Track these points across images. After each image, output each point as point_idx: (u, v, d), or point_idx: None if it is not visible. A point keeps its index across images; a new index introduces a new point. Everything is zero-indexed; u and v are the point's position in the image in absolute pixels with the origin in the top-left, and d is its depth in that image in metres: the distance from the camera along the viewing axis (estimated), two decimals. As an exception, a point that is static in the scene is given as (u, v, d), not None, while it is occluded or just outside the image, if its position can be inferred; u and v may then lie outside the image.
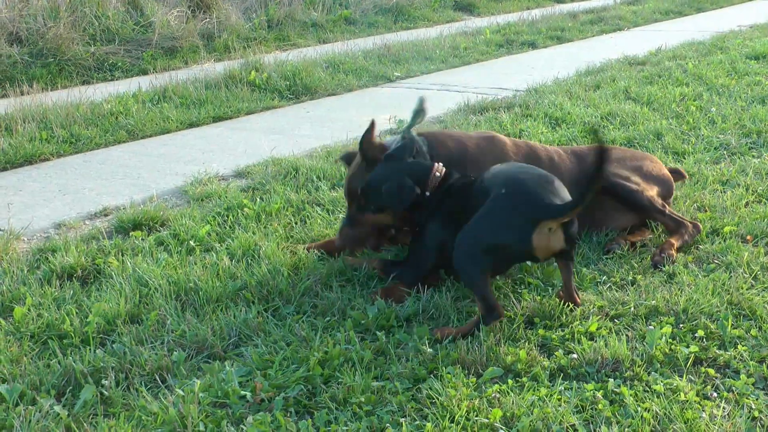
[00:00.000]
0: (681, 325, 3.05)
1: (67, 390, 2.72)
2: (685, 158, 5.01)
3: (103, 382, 2.74)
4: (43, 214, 4.41)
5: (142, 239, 3.94)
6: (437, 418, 2.51)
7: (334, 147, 5.45)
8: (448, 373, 2.75)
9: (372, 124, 3.60)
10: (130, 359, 2.86)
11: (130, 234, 4.03)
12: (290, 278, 3.43)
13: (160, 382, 2.77)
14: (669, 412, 2.51)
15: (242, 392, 2.66)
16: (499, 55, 9.46)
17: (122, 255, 3.73)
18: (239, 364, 2.85)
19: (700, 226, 3.81)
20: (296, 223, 4.08)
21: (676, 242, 3.67)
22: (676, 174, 4.18)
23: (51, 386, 2.72)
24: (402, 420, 2.50)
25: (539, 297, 3.27)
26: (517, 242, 3.02)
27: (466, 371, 2.78)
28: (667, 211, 3.80)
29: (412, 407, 2.58)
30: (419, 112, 3.70)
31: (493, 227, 3.05)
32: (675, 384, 2.66)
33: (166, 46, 9.23)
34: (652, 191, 3.84)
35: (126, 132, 6.06)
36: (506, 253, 3.08)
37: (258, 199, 4.41)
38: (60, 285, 3.46)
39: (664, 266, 3.52)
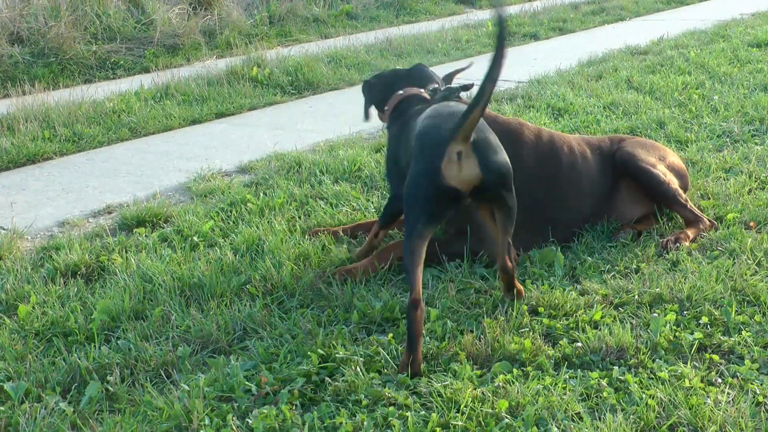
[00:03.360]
0: (685, 312, 3.05)
1: (73, 387, 2.72)
2: (688, 146, 5.00)
3: (109, 378, 2.74)
4: (46, 213, 4.42)
5: (146, 236, 3.95)
6: (442, 409, 2.51)
7: (337, 141, 5.45)
8: (452, 365, 2.75)
9: None
10: (135, 355, 2.87)
11: (134, 231, 4.03)
12: (294, 271, 3.43)
13: (165, 377, 2.77)
14: (674, 398, 2.51)
15: (247, 386, 2.66)
16: (500, 47, 9.43)
17: (126, 252, 3.74)
18: (244, 358, 2.85)
19: (717, 225, 3.80)
20: (299, 217, 4.08)
21: (692, 234, 3.68)
22: None
23: (56, 383, 2.72)
24: (407, 413, 2.50)
25: (543, 286, 3.26)
26: (427, 173, 2.82)
27: (471, 363, 2.78)
28: (688, 205, 3.81)
29: (415, 400, 2.59)
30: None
31: (414, 165, 2.92)
32: (680, 371, 2.66)
33: (168, 43, 9.23)
34: (675, 182, 3.85)
35: (128, 130, 6.06)
36: (426, 193, 2.84)
37: (261, 194, 4.41)
38: (64, 283, 3.46)
39: (669, 252, 3.53)
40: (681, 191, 3.85)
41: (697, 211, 3.81)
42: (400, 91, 3.68)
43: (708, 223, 3.77)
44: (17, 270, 3.58)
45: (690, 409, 2.46)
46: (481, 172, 2.84)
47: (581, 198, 3.80)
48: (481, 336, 2.92)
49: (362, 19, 11.43)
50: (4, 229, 4.13)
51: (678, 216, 3.85)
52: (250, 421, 2.49)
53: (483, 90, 2.75)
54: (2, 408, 2.59)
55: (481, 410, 2.49)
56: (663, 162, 3.93)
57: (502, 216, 2.97)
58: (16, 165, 5.31)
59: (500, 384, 2.62)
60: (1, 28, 8.36)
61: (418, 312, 2.71)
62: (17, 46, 8.29)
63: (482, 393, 2.57)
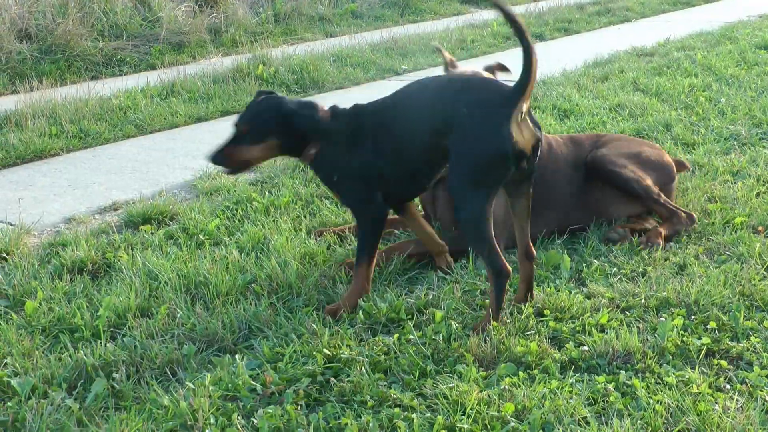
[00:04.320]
0: (693, 317, 3.04)
1: (79, 383, 2.73)
2: (694, 149, 4.99)
3: (114, 375, 2.74)
4: (53, 209, 4.42)
5: (152, 233, 3.94)
6: (448, 411, 2.51)
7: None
8: (458, 366, 2.75)
9: None
10: (140, 353, 2.87)
11: (140, 228, 4.03)
12: (299, 271, 3.43)
13: (170, 375, 2.77)
14: (681, 404, 2.50)
15: (252, 385, 2.66)
16: (506, 47, 9.43)
17: (132, 249, 3.74)
18: (250, 357, 2.85)
19: (695, 216, 3.80)
20: (305, 216, 4.07)
21: (664, 231, 3.68)
22: (678, 165, 4.14)
23: (62, 380, 2.72)
24: (413, 415, 2.49)
25: (549, 289, 3.26)
26: (499, 140, 2.87)
27: (477, 365, 2.77)
28: (662, 200, 3.79)
29: (421, 402, 2.58)
30: None
31: (474, 140, 2.92)
32: (687, 376, 2.65)
33: (174, 41, 9.22)
34: (648, 179, 3.83)
35: (134, 127, 6.06)
36: (496, 169, 2.92)
37: (267, 193, 4.41)
38: (70, 279, 3.46)
39: (646, 251, 3.52)
40: (653, 187, 3.81)
41: (672, 206, 3.79)
42: (325, 108, 3.38)
43: (684, 215, 3.75)
44: (24, 266, 3.57)
45: (698, 415, 2.45)
46: (537, 131, 2.97)
47: (562, 197, 3.80)
48: (487, 338, 2.91)
49: (367, 18, 11.41)
50: (11, 224, 4.13)
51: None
52: (255, 421, 2.49)
53: (529, 54, 2.86)
54: (9, 404, 2.60)
55: (487, 413, 2.49)
56: (635, 158, 3.89)
57: (526, 196, 3.08)
58: (23, 161, 5.31)
59: (506, 387, 2.61)
60: (10, 25, 8.35)
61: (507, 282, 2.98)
62: (25, 43, 8.30)
63: (488, 396, 2.56)
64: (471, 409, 2.50)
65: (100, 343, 2.94)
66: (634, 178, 3.79)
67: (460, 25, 10.59)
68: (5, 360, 2.84)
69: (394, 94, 3.27)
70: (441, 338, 2.91)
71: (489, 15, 11.71)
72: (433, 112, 3.04)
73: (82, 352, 2.86)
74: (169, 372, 2.78)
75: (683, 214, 3.77)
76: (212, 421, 2.49)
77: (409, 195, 3.40)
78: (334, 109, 3.32)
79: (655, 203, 3.78)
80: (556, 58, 8.28)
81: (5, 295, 3.34)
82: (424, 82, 3.23)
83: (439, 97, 3.07)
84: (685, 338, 2.88)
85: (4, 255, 3.74)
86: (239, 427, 2.46)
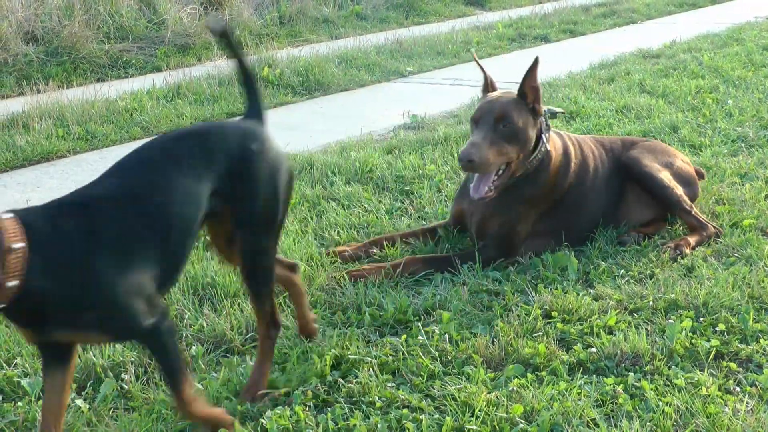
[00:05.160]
0: (701, 319, 3.04)
1: (88, 384, 2.73)
2: (702, 151, 4.98)
3: (123, 376, 2.75)
4: (60, 211, 4.42)
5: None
6: (457, 413, 2.51)
7: (348, 142, 5.44)
8: (466, 368, 2.75)
9: (536, 61, 3.57)
10: (149, 354, 2.86)
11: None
12: (306, 272, 3.43)
13: (179, 376, 2.77)
14: (691, 406, 2.50)
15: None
16: (511, 49, 9.43)
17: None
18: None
19: (722, 232, 3.78)
20: (312, 218, 4.08)
21: (693, 241, 3.66)
22: (696, 174, 4.15)
23: (73, 380, 2.72)
24: (422, 417, 2.49)
25: (557, 290, 3.26)
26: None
27: (485, 366, 2.77)
28: (693, 212, 3.79)
29: (429, 403, 2.58)
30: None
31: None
32: (696, 378, 2.65)
33: (179, 43, 9.24)
34: (680, 188, 3.83)
35: (141, 129, 6.07)
36: None
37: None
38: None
39: (676, 260, 3.51)
40: (685, 198, 3.83)
41: (702, 218, 3.79)
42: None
43: (713, 230, 3.75)
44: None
45: (707, 417, 2.45)
46: None
47: (597, 202, 3.80)
48: (495, 339, 2.91)
49: (372, 20, 11.42)
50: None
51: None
52: (263, 422, 2.49)
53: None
54: (20, 404, 2.60)
55: (496, 414, 2.49)
56: (670, 168, 3.91)
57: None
58: (30, 162, 5.32)
59: (515, 388, 2.61)
60: (16, 28, 8.37)
61: None
62: (32, 45, 8.32)
63: (496, 397, 2.56)
64: (480, 411, 2.50)
65: (109, 344, 2.94)
66: (669, 185, 3.80)
67: (465, 27, 10.58)
68: (15, 360, 2.85)
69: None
70: (448, 339, 2.91)
71: (494, 17, 11.72)
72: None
73: (91, 352, 2.86)
74: (177, 373, 2.78)
75: (712, 228, 3.76)
76: (221, 422, 2.49)
77: None
78: None
79: (686, 214, 3.78)
80: (561, 59, 8.27)
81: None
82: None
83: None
84: (693, 340, 2.88)
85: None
86: (248, 428, 2.46)
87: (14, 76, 7.68)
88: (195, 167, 2.40)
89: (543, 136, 3.59)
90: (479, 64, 3.87)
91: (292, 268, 2.92)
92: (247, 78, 2.72)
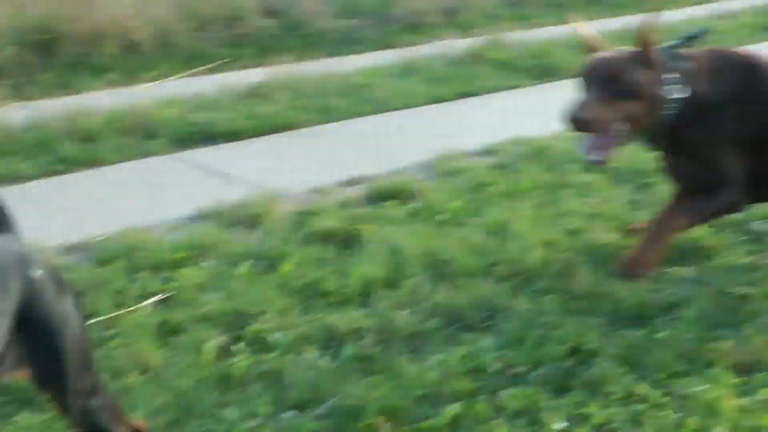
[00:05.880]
0: None
1: (331, 344, 2.87)
2: None
3: (363, 341, 2.87)
4: (300, 179, 4.63)
5: (395, 209, 4.06)
6: (702, 414, 2.41)
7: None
8: (711, 370, 2.64)
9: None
10: (388, 322, 2.98)
11: (382, 203, 4.16)
12: (543, 257, 3.42)
13: (416, 346, 2.85)
14: None
15: (496, 365, 2.69)
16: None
17: (376, 222, 3.87)
18: (493, 337, 2.88)
19: None
20: (547, 204, 4.05)
21: None
22: None
23: (316, 339, 2.88)
24: (663, 413, 2.42)
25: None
26: None
27: (733, 370, 2.64)
28: None
29: (669, 400, 2.51)
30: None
31: None
32: None
33: (408, 21, 9.44)
34: None
35: (373, 104, 6.23)
36: None
37: (506, 178, 4.41)
38: (320, 246, 3.63)
39: None
40: None
41: None
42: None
43: None
44: (277, 231, 3.80)
45: None
46: None
47: None
48: (742, 344, 2.77)
49: (605, 4, 11.06)
50: (264, 191, 4.34)
51: None
52: (500, 398, 2.51)
53: None
54: (272, 355, 2.78)
55: (744, 422, 2.37)
56: None
57: None
58: (272, 131, 5.61)
59: (766, 398, 2.48)
60: (257, 2, 8.89)
61: None
62: (270, 19, 8.81)
63: (748, 403, 2.44)
64: (727, 415, 2.39)
65: (350, 309, 3.08)
66: None
67: (702, 15, 10.02)
68: (265, 314, 3.04)
69: None
70: (692, 338, 2.80)
71: (738, 4, 11.01)
72: None
73: (334, 316, 3.01)
74: (414, 343, 2.87)
75: None
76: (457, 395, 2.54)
77: None
78: None
79: None
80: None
81: (263, 256, 3.56)
82: None
83: None
84: None
85: (258, 220, 3.97)
86: (484, 404, 2.50)
87: (254, 48, 8.15)
88: None
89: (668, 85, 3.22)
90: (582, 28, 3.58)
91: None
92: None
